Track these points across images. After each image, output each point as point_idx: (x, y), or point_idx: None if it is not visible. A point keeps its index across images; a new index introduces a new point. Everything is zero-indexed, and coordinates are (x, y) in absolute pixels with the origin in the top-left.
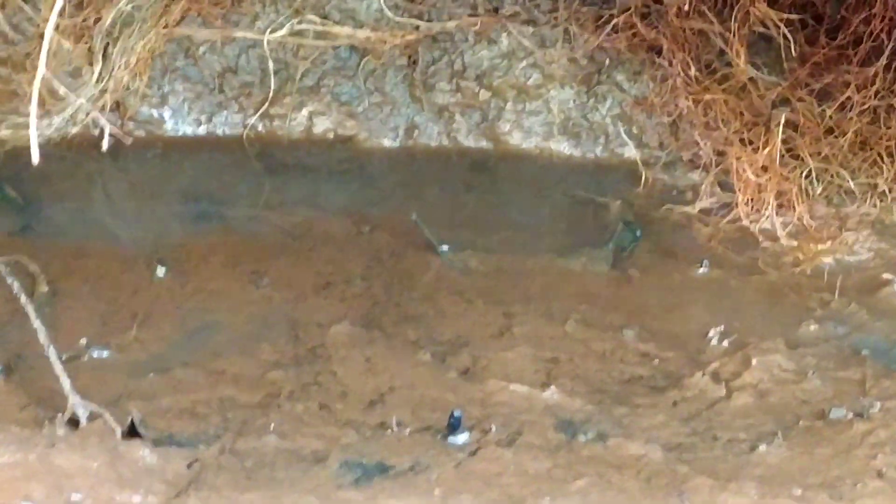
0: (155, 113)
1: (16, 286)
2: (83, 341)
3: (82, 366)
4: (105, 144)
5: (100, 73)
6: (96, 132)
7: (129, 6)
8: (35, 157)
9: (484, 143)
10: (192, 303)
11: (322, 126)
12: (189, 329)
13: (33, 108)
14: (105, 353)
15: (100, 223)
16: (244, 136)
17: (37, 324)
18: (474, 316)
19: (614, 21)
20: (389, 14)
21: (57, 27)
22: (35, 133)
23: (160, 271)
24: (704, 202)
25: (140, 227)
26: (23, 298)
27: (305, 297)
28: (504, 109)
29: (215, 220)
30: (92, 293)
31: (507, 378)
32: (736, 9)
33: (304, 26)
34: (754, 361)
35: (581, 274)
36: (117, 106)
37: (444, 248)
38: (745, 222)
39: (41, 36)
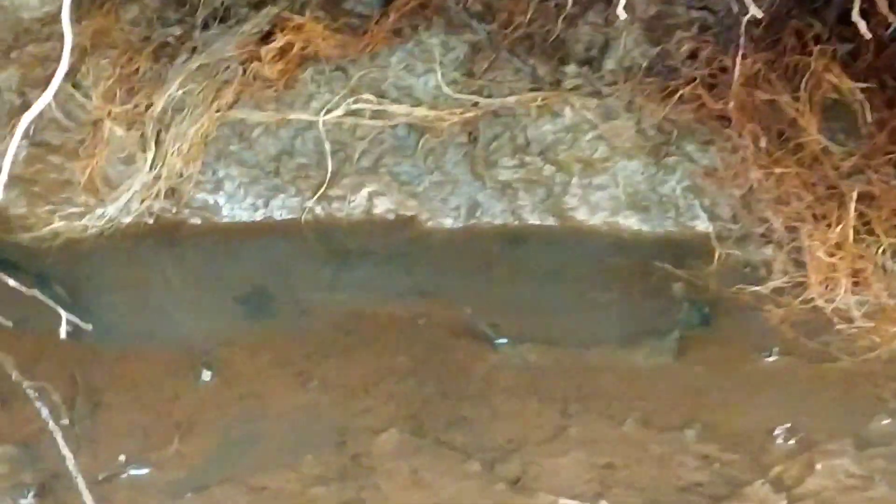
0: (210, 199)
1: (44, 413)
2: (122, 458)
3: (120, 485)
4: (63, 332)
5: (153, 160)
6: (150, 221)
7: (181, 92)
8: None
9: (549, 220)
10: (236, 410)
11: (382, 207)
12: (232, 440)
13: None
14: (143, 471)
15: (148, 321)
16: (302, 220)
17: (65, 451)
18: (528, 416)
19: (680, 92)
20: (448, 91)
21: (109, 114)
22: None
23: (205, 375)
24: (777, 281)
25: (189, 324)
26: (50, 425)
27: (354, 398)
28: (570, 184)
29: (267, 314)
30: (135, 402)
31: (558, 489)
32: (807, 76)
33: (360, 105)
34: (819, 466)
35: (643, 367)
36: (172, 193)
37: (502, 341)
38: (819, 303)
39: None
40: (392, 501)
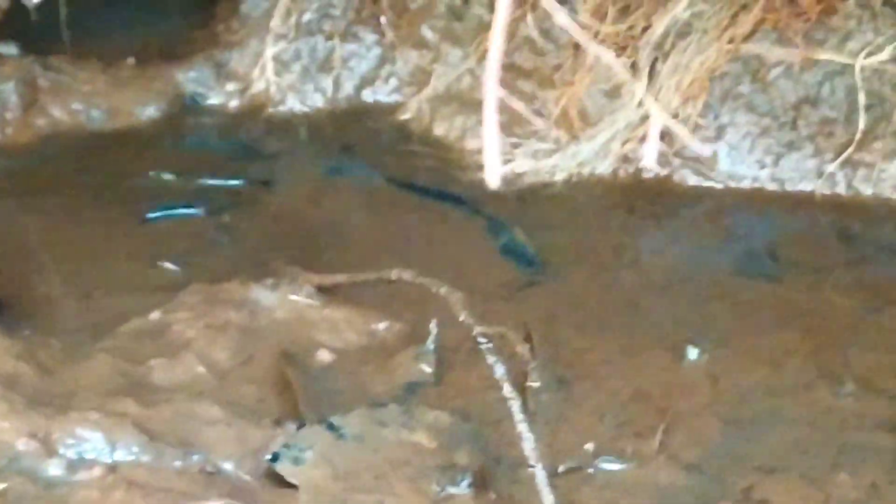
0: (707, 149)
1: (499, 371)
2: (589, 447)
3: (585, 481)
4: None
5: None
6: (629, 170)
7: (688, 13)
8: None
9: None
10: (730, 394)
11: None
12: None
13: None
14: (617, 466)
15: (621, 289)
16: (815, 190)
17: (521, 427)
18: None
19: None
20: None
21: (596, 35)
22: None
23: (692, 353)
24: None
25: (669, 294)
26: (506, 389)
27: None
28: None
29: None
30: (606, 381)
31: None
32: None
33: None
34: None
35: None
36: (662, 137)
37: None
38: None
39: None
40: None
